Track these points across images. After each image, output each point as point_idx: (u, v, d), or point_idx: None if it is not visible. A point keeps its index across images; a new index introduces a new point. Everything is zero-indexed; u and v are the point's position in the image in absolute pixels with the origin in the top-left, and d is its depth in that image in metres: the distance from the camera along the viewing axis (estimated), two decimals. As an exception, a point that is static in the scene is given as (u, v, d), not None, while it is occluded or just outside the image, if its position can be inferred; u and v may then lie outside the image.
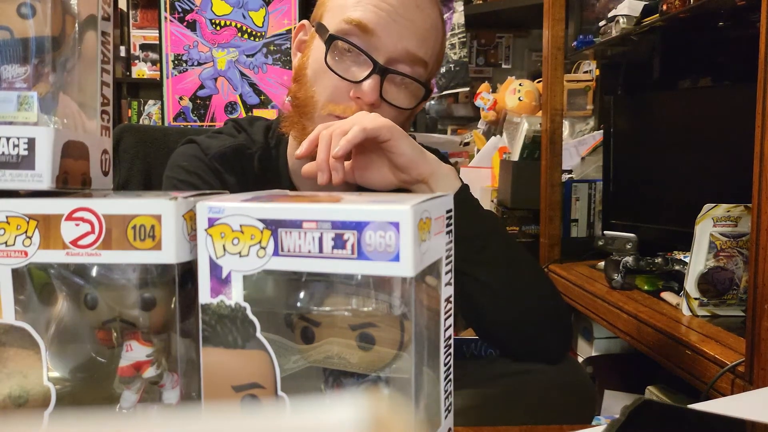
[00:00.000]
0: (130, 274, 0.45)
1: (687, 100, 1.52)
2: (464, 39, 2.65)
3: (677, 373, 0.99)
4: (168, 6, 2.61)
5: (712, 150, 1.34)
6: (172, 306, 0.45)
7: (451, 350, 0.47)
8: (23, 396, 0.45)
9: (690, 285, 1.08)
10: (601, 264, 1.44)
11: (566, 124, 2.03)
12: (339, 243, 0.40)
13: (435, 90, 2.53)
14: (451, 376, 0.47)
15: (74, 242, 0.43)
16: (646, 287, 1.27)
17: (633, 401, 0.49)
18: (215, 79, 2.66)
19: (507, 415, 0.69)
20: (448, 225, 0.46)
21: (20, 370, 0.45)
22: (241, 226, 0.42)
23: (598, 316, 1.28)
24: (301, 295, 0.44)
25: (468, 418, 0.66)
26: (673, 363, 0.99)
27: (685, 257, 1.22)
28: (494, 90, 2.37)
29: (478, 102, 2.33)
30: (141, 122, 3.38)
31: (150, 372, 0.46)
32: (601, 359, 1.49)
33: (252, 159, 0.85)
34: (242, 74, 2.65)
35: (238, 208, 0.42)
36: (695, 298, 1.08)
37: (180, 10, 2.64)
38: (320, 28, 0.80)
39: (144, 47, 3.41)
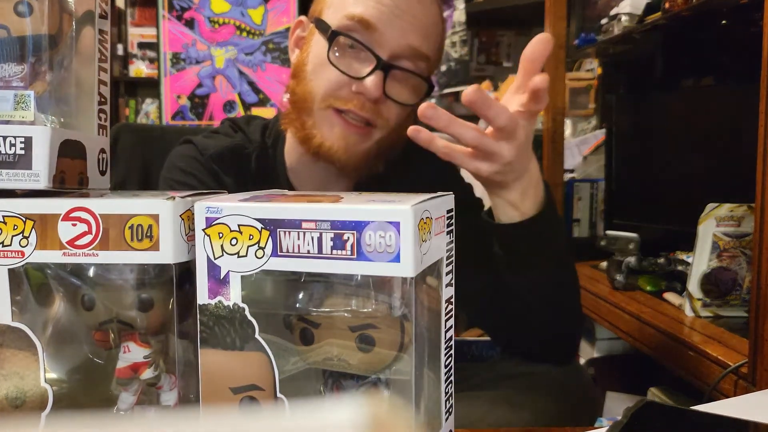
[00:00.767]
0: (127, 275, 0.44)
1: (690, 98, 1.51)
2: (465, 37, 2.64)
3: (680, 374, 0.98)
4: (166, 4, 2.60)
5: (715, 149, 1.33)
6: (170, 307, 0.45)
7: (452, 351, 0.47)
8: (20, 397, 0.45)
9: (693, 285, 1.07)
10: (604, 264, 1.44)
11: (568, 123, 2.02)
12: (338, 243, 0.39)
13: (436, 88, 2.52)
14: (452, 378, 0.47)
15: (71, 242, 0.43)
16: (648, 288, 1.26)
17: (635, 403, 0.48)
18: (213, 78, 2.65)
19: (510, 417, 0.69)
20: (448, 225, 0.45)
21: (17, 372, 0.45)
22: (239, 226, 0.41)
23: (600, 317, 1.27)
24: (300, 296, 0.44)
25: (471, 420, 0.66)
26: (676, 364, 0.99)
27: (687, 257, 1.21)
28: (496, 88, 2.36)
29: (479, 101, 2.32)
30: (138, 121, 3.37)
31: (147, 373, 0.46)
32: (603, 360, 1.48)
33: (249, 158, 0.84)
34: (241, 72, 2.64)
35: (236, 208, 0.41)
36: (698, 299, 1.07)
37: (178, 8, 2.63)
38: (320, 24, 0.79)
39: (142, 45, 3.40)
